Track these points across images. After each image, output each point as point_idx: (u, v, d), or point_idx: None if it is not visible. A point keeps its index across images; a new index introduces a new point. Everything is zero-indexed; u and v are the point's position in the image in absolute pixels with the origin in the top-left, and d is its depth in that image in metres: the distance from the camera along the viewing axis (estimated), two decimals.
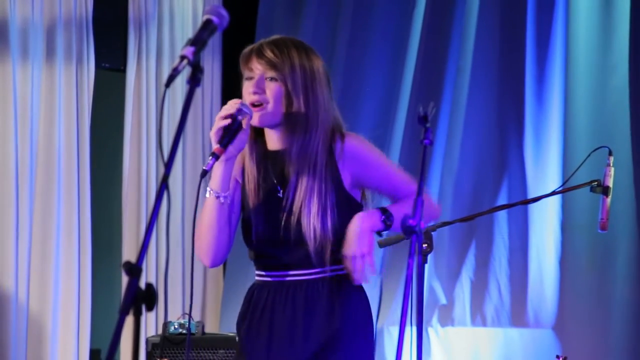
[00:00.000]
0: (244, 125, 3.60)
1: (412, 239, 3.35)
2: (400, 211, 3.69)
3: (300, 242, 3.69)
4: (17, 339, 6.15)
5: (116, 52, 6.88)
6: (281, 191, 3.73)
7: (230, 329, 6.40)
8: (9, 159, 6.07)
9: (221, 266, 6.91)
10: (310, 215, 3.65)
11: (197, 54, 3.26)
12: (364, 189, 3.79)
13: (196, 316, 6.64)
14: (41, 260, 6.33)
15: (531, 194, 6.14)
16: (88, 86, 6.64)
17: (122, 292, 3.03)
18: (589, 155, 5.32)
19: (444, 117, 6.44)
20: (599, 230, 5.23)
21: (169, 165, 3.19)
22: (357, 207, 3.74)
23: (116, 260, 6.98)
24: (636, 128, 6.06)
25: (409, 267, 3.32)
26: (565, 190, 5.54)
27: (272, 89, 3.66)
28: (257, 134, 3.78)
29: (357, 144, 3.74)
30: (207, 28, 3.37)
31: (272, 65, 3.66)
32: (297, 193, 3.67)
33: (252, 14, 7.09)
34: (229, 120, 3.56)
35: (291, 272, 3.75)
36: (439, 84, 6.50)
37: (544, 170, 6.24)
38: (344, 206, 3.68)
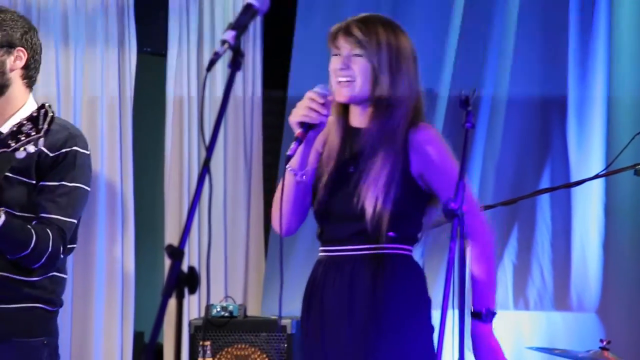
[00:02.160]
0: (328, 100, 3.69)
1: (453, 223, 3.38)
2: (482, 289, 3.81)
3: (358, 217, 3.72)
4: (61, 322, 6.21)
5: (157, 36, 6.91)
6: (353, 167, 3.78)
7: (272, 312, 6.45)
8: None
9: (263, 248, 6.96)
10: (376, 189, 3.68)
11: (238, 38, 3.30)
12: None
13: (238, 299, 6.67)
14: (84, 243, 6.38)
15: (574, 177, 6.13)
16: (130, 70, 6.68)
17: (165, 275, 3.08)
18: (633, 138, 5.34)
19: (486, 100, 6.44)
20: None
21: (210, 149, 3.24)
22: (421, 194, 3.77)
23: (159, 244, 7.03)
24: None
25: (451, 251, 3.36)
26: (608, 173, 5.55)
27: (359, 65, 3.73)
28: (342, 109, 3.84)
29: (429, 138, 3.76)
30: (247, 12, 3.40)
31: (358, 43, 3.73)
32: (368, 170, 3.72)
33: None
34: (310, 117, 3.64)
35: (344, 247, 3.79)
36: (481, 67, 6.51)
37: (587, 153, 6.23)
38: (408, 190, 3.72)
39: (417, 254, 3.88)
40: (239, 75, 3.35)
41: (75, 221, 4.29)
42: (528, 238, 6.30)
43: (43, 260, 4.15)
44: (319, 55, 6.90)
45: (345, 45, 3.75)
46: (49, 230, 4.14)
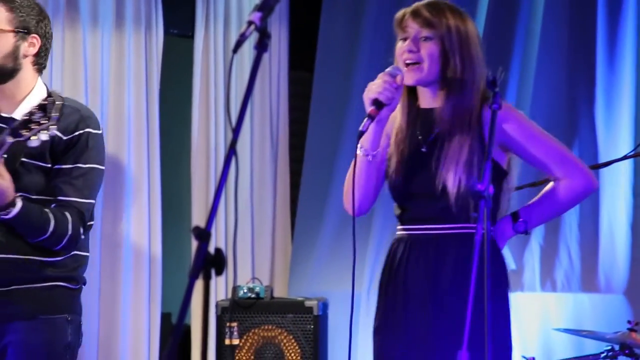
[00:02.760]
0: (398, 82, 3.77)
1: (480, 204, 3.40)
2: (539, 210, 3.91)
3: (440, 197, 3.77)
4: (89, 304, 6.25)
5: (184, 18, 6.92)
6: (425, 147, 3.82)
7: (298, 293, 6.47)
8: None
9: (289, 230, 6.98)
10: (457, 168, 3.73)
11: (264, 19, 3.32)
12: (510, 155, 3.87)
13: (264, 280, 6.70)
14: (112, 225, 6.42)
15: (602, 159, 6.12)
16: (157, 52, 6.69)
17: (192, 257, 3.09)
18: None
19: (513, 82, 6.45)
20: None
21: (236, 131, 3.25)
22: (501, 172, 3.82)
23: (185, 225, 7.06)
24: None
25: (478, 232, 3.38)
26: (637, 154, 5.56)
27: (427, 47, 3.81)
28: (410, 92, 3.91)
29: (505, 113, 3.76)
30: None
31: (427, 24, 3.79)
32: (445, 149, 3.77)
33: None
34: (383, 96, 3.69)
35: (427, 226, 3.83)
36: (508, 47, 6.51)
37: (616, 134, 6.23)
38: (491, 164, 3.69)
39: None
40: (265, 57, 3.35)
41: (93, 201, 4.36)
42: (555, 220, 6.28)
43: (64, 243, 4.22)
44: (345, 37, 6.95)
45: (413, 26, 3.82)
46: (67, 214, 4.20)
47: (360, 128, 3.70)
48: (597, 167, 5.97)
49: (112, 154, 6.44)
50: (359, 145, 3.82)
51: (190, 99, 6.89)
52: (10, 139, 4.03)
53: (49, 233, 4.17)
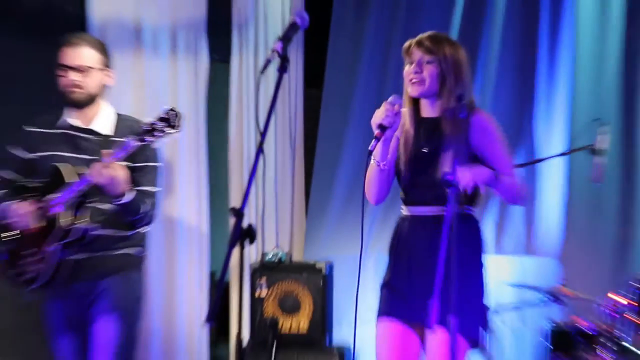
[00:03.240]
0: (396, 110, 3.81)
1: (449, 190, 3.44)
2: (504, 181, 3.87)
3: (437, 186, 3.75)
4: (156, 266, 6.28)
5: (223, 47, 6.91)
6: (427, 148, 3.87)
7: (311, 258, 6.49)
8: None
9: (304, 210, 7.00)
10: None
11: (284, 48, 3.38)
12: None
13: (285, 248, 6.72)
14: (170, 208, 6.48)
15: (540, 155, 6.13)
16: (203, 74, 6.69)
17: (230, 231, 3.13)
18: (586, 126, 5.36)
19: (475, 96, 6.44)
20: (593, 182, 5.27)
21: (263, 134, 3.31)
22: (478, 161, 3.85)
23: (225, 207, 7.07)
24: (625, 104, 6.06)
25: (448, 211, 3.41)
26: (568, 152, 5.58)
27: (429, 69, 3.86)
28: (414, 103, 3.96)
29: (481, 120, 3.86)
30: (292, 28, 3.48)
31: (429, 52, 3.84)
32: (442, 149, 3.80)
33: (327, 16, 7.12)
34: (386, 121, 3.73)
35: (427, 208, 3.87)
36: (473, 69, 6.51)
37: (552, 136, 6.24)
38: (471, 160, 3.81)
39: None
40: (285, 77, 3.39)
41: (160, 189, 4.53)
42: (504, 203, 6.32)
43: (145, 221, 4.37)
44: (348, 62, 6.96)
45: (418, 53, 3.87)
46: (146, 199, 4.32)
47: (370, 148, 3.81)
48: (537, 161, 6.00)
49: (169, 154, 6.47)
50: (372, 157, 3.89)
51: (228, 110, 6.89)
52: (134, 142, 4.13)
53: (140, 214, 4.30)
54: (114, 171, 4.19)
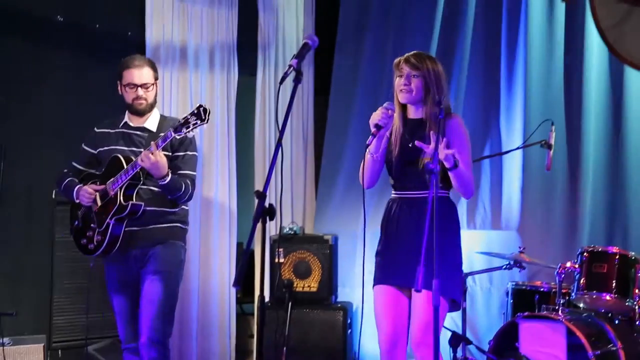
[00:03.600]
0: (390, 114, 3.81)
1: (431, 177, 3.44)
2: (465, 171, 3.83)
3: (420, 174, 3.80)
4: (194, 238, 6.28)
5: (250, 64, 6.91)
6: (412, 144, 3.85)
7: (320, 231, 6.49)
8: None
9: (314, 192, 7.00)
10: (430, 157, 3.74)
11: (299, 63, 3.37)
12: None
13: (299, 222, 6.72)
14: (207, 190, 6.47)
15: (504, 149, 6.13)
16: (234, 85, 6.69)
17: (254, 209, 3.13)
18: (539, 125, 5.35)
19: (451, 100, 6.39)
20: (546, 170, 5.26)
21: (282, 132, 3.30)
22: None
23: (250, 189, 7.07)
24: (567, 107, 6.04)
25: (430, 194, 3.41)
26: (525, 146, 5.57)
27: (415, 82, 3.86)
28: (403, 107, 3.96)
29: (456, 123, 3.86)
30: (305, 47, 3.47)
31: (415, 67, 3.84)
32: (426, 143, 3.75)
33: (332, 38, 7.12)
34: (382, 122, 3.73)
35: (412, 192, 3.86)
36: (448, 79, 6.46)
37: (512, 134, 6.22)
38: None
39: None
40: (299, 87, 3.39)
41: (196, 174, 4.53)
42: (476, 186, 6.28)
43: (186, 198, 4.41)
44: (349, 75, 6.97)
45: (406, 68, 3.87)
46: (187, 180, 4.36)
47: (367, 142, 3.80)
48: (501, 154, 5.99)
49: (206, 149, 6.47)
50: (367, 150, 3.88)
51: (254, 114, 6.89)
52: (173, 133, 4.18)
53: (181, 192, 4.33)
54: (157, 157, 4.22)
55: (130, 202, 4.32)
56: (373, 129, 3.79)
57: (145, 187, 4.38)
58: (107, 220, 4.32)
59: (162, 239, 4.41)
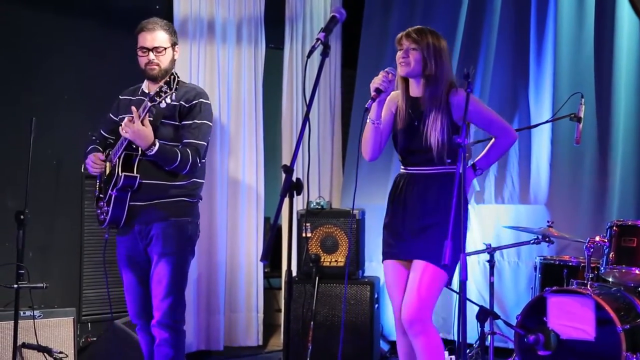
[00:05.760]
0: (390, 78, 3.79)
1: (459, 151, 3.41)
2: (487, 159, 3.94)
3: (426, 151, 3.80)
4: (221, 214, 6.30)
5: (278, 37, 6.92)
6: (417, 121, 3.83)
7: (347, 205, 6.49)
8: (214, 108, 6.17)
9: (341, 166, 6.99)
10: (436, 133, 3.76)
11: (326, 37, 3.33)
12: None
13: (326, 197, 6.71)
14: (234, 168, 6.47)
15: (533, 122, 6.06)
16: (261, 59, 6.70)
17: (281, 184, 3.11)
18: (569, 98, 5.28)
19: (479, 75, 6.39)
20: (575, 144, 5.19)
21: (309, 106, 3.27)
22: (457, 132, 3.78)
23: (278, 164, 7.09)
24: (597, 80, 5.95)
25: (458, 168, 3.37)
26: (554, 119, 5.50)
27: (414, 55, 3.83)
28: (405, 85, 3.94)
29: (459, 98, 3.80)
30: (332, 21, 3.43)
31: (414, 41, 3.82)
32: (429, 121, 3.79)
33: (360, 11, 7.09)
34: (382, 86, 3.70)
35: (417, 168, 3.85)
36: (476, 53, 6.46)
37: (541, 107, 6.15)
38: (453, 131, 3.76)
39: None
40: (326, 61, 3.35)
41: (205, 143, 4.34)
42: (504, 160, 6.26)
43: (187, 168, 4.23)
44: (376, 48, 6.93)
45: (405, 43, 3.85)
46: (188, 150, 4.24)
47: (366, 105, 3.76)
48: (529, 127, 5.93)
49: (233, 123, 6.47)
50: (367, 118, 3.86)
51: (281, 87, 6.89)
52: (148, 103, 4.06)
53: (177, 162, 4.19)
54: (138, 126, 4.09)
55: (123, 174, 4.17)
56: (373, 93, 3.77)
57: (145, 158, 4.21)
58: (110, 191, 4.25)
59: (165, 215, 4.23)
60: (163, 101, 4.02)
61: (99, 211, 4.36)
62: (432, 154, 3.78)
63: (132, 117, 4.11)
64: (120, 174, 4.17)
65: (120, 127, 4.20)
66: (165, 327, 4.22)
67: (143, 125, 4.11)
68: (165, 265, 4.20)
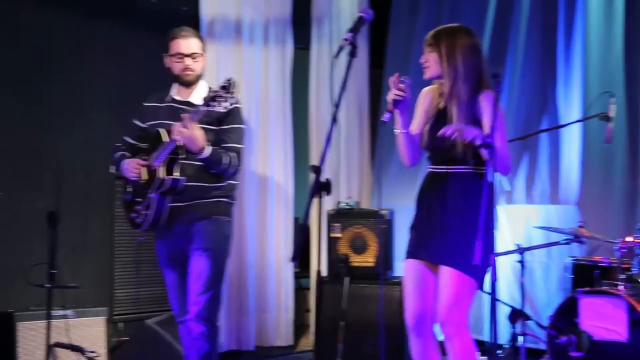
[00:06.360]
0: (402, 87, 3.69)
1: (489, 150, 3.37)
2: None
3: (450, 149, 3.69)
4: (251, 214, 6.31)
5: (305, 38, 6.92)
6: (440, 119, 3.77)
7: (376, 206, 6.48)
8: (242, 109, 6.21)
9: (370, 167, 6.98)
10: (469, 130, 3.60)
11: (354, 37, 3.33)
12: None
13: (355, 197, 6.70)
14: (263, 168, 6.48)
15: (562, 122, 6.02)
16: (289, 59, 6.71)
17: (311, 184, 3.11)
18: (598, 97, 5.24)
19: (507, 75, 6.36)
20: (605, 143, 5.15)
21: (337, 107, 3.27)
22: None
23: (306, 164, 7.08)
24: (628, 78, 5.90)
25: (487, 167, 3.35)
26: (584, 119, 5.47)
27: (431, 57, 3.74)
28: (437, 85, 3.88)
29: (486, 99, 3.68)
30: (360, 21, 3.44)
31: (430, 44, 3.75)
32: (452, 119, 3.69)
33: (387, 11, 7.09)
34: (399, 97, 3.66)
35: (441, 167, 3.81)
36: (504, 53, 6.43)
37: (570, 107, 6.11)
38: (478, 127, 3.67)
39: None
40: (354, 61, 3.35)
41: (243, 146, 4.45)
42: (534, 160, 6.23)
43: (232, 171, 4.33)
44: (403, 49, 6.92)
45: (425, 47, 3.78)
46: (230, 153, 4.30)
47: (382, 119, 3.67)
48: (559, 127, 5.89)
49: (262, 124, 6.49)
50: (394, 129, 3.81)
51: (308, 88, 6.89)
52: (203, 107, 4.12)
53: (224, 165, 4.28)
54: (191, 131, 4.16)
55: (171, 177, 4.25)
56: (389, 106, 3.73)
57: (188, 161, 4.30)
58: (150, 194, 4.31)
59: (206, 214, 4.34)
60: (220, 105, 4.09)
61: (133, 215, 4.41)
62: (454, 152, 3.74)
63: (184, 123, 4.17)
64: (165, 177, 4.25)
65: (159, 132, 4.27)
66: (202, 320, 4.29)
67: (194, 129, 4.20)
68: (205, 261, 4.29)
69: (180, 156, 4.27)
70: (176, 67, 4.44)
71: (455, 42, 3.76)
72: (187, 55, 4.41)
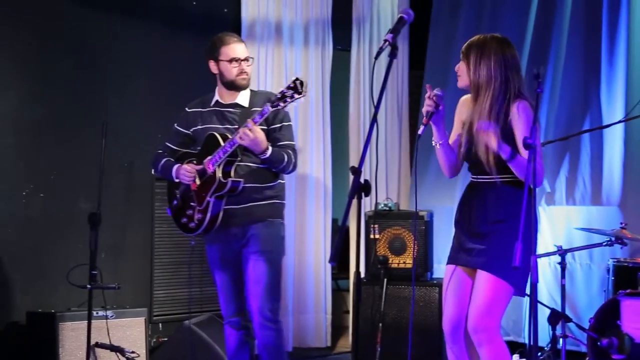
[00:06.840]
0: (434, 99, 3.70)
1: (529, 152, 3.34)
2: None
3: (482, 160, 3.70)
4: (291, 213, 6.33)
5: (345, 39, 6.93)
6: (469, 131, 3.78)
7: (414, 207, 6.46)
8: None
9: (409, 168, 6.96)
10: (482, 145, 3.66)
11: (394, 38, 3.33)
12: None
13: (394, 199, 6.68)
14: (302, 168, 6.49)
15: (605, 122, 5.95)
16: (329, 60, 6.73)
17: (349, 185, 3.11)
18: None
19: (549, 75, 6.30)
20: None
21: (377, 107, 3.27)
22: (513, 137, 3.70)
23: (345, 166, 7.08)
24: None
25: (528, 168, 3.32)
26: (627, 119, 5.40)
27: (462, 66, 3.73)
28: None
29: (517, 109, 3.65)
30: (400, 22, 3.43)
31: (462, 53, 3.75)
32: (476, 132, 3.69)
33: (427, 12, 7.07)
34: (430, 108, 3.64)
35: (478, 177, 3.80)
36: (546, 53, 6.37)
37: (613, 107, 6.04)
38: (509, 138, 3.64)
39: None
40: (394, 62, 3.34)
41: (296, 142, 4.55)
42: (575, 161, 6.17)
43: (291, 167, 4.40)
44: (443, 50, 6.89)
45: (461, 57, 3.76)
46: (288, 150, 4.38)
47: (419, 132, 3.67)
48: (601, 127, 5.83)
49: (301, 125, 6.50)
50: (432, 141, 3.81)
51: (348, 88, 6.90)
52: (269, 108, 4.17)
53: (285, 162, 4.36)
54: (256, 133, 4.21)
55: (230, 179, 4.31)
56: (424, 119, 3.72)
57: (242, 163, 4.36)
58: (207, 198, 4.33)
59: (261, 216, 4.39)
60: (290, 104, 4.15)
61: (185, 220, 4.45)
62: (489, 164, 3.72)
63: (249, 127, 4.21)
64: (223, 179, 4.31)
65: (236, 135, 4.28)
66: (268, 323, 4.37)
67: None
68: (264, 264, 4.35)
69: (235, 158, 4.33)
70: (232, 72, 4.45)
71: (483, 53, 3.73)
72: (243, 60, 4.45)
